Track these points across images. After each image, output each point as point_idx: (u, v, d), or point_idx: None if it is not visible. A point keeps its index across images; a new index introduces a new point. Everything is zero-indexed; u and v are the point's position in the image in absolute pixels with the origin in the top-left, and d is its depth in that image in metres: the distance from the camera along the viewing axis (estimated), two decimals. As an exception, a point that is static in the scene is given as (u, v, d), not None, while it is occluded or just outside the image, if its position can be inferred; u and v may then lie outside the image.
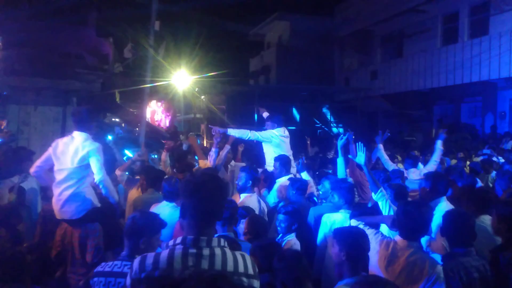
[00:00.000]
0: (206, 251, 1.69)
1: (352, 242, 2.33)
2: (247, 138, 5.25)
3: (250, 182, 4.07)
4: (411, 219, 2.51)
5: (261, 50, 25.15)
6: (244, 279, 1.72)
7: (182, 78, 13.99)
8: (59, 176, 3.59)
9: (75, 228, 3.61)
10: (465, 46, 13.17)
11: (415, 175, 5.54)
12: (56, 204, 3.58)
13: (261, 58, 24.62)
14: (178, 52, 15.37)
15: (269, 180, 4.74)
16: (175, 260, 1.66)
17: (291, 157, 5.19)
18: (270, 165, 5.17)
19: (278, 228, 3.26)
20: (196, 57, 15.69)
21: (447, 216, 2.72)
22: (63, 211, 3.56)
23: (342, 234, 2.40)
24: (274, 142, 5.26)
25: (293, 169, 5.12)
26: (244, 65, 26.02)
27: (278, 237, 3.24)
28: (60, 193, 3.55)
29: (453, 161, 8.27)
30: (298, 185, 4.01)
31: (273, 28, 23.48)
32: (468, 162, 8.42)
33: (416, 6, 14.47)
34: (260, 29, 24.40)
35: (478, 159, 8.40)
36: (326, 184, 4.02)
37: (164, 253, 1.70)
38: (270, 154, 5.28)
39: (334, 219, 3.43)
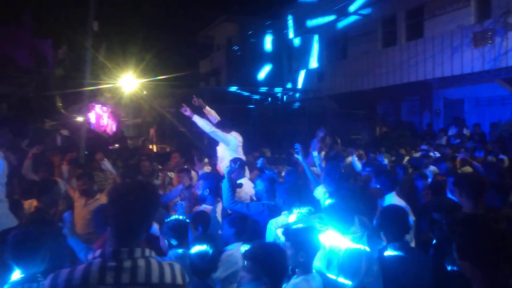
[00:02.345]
0: (127, 264, 1.57)
1: (308, 243, 2.34)
2: (208, 132, 5.19)
3: (208, 191, 3.83)
4: (341, 211, 2.60)
5: (210, 52, 25.00)
6: None
7: (129, 81, 13.50)
8: None
9: None
10: (403, 48, 13.92)
11: None
12: None
13: (210, 60, 24.48)
14: (123, 54, 14.85)
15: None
16: (91, 275, 1.52)
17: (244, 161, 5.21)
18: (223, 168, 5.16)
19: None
20: (143, 59, 15.25)
21: (382, 211, 2.82)
22: None
23: (297, 236, 2.37)
24: (232, 146, 5.29)
25: (246, 172, 5.13)
26: (194, 67, 25.71)
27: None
28: None
29: (386, 159, 8.64)
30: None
31: (222, 30, 23.44)
32: (407, 158, 8.88)
33: (357, 10, 15.10)
34: (209, 31, 24.26)
35: (418, 154, 8.90)
36: (259, 184, 3.91)
37: (80, 268, 1.56)
38: (226, 158, 5.25)
39: (280, 223, 3.35)
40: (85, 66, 7.68)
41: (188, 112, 5.25)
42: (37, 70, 10.44)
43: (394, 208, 2.89)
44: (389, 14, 14.85)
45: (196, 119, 5.17)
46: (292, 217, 3.13)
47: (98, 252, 1.61)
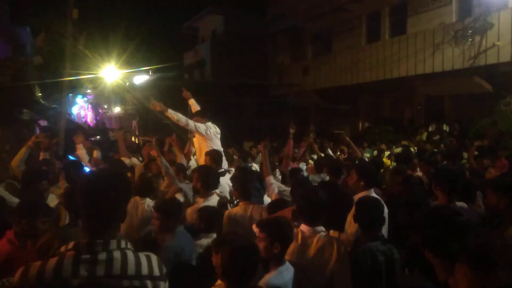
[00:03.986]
0: (102, 256, 1.53)
1: (284, 232, 2.33)
2: (183, 125, 5.05)
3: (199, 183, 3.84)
4: (311, 204, 2.58)
5: (195, 44, 24.74)
6: (148, 281, 1.61)
7: (111, 72, 13.23)
8: None
9: None
10: (386, 44, 14.06)
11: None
12: None
13: (195, 52, 24.23)
14: (105, 44, 14.51)
15: None
16: (64, 268, 1.47)
17: (222, 153, 5.16)
18: (201, 159, 5.12)
19: None
20: (126, 49, 14.94)
21: (358, 203, 2.84)
22: None
23: (274, 227, 2.36)
24: (209, 136, 5.20)
25: (225, 164, 5.08)
26: (178, 58, 25.40)
27: None
28: None
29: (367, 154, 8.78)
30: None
31: (206, 22, 23.21)
32: (387, 153, 9.02)
33: (342, 5, 15.15)
34: (194, 22, 23.98)
35: (399, 150, 9.05)
36: None
37: (52, 262, 1.50)
38: (203, 148, 5.20)
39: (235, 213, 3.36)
40: (64, 55, 7.46)
41: (160, 107, 4.95)
42: (14, 59, 10.12)
43: (369, 199, 2.92)
44: (373, 10, 14.95)
45: (170, 112, 4.96)
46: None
47: (71, 245, 1.57)
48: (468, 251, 1.38)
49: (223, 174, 4.43)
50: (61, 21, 8.74)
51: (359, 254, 2.54)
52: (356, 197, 3.26)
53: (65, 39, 7.52)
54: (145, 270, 1.60)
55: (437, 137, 10.92)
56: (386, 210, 3.08)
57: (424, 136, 11.54)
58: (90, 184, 1.63)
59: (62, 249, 1.58)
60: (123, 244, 1.62)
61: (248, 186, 3.41)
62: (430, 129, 12.34)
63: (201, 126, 5.17)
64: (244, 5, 21.54)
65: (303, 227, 2.62)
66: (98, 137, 12.42)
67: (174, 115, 4.96)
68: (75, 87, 13.36)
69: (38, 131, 10.93)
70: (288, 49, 19.43)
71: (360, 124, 16.96)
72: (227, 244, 2.13)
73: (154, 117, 15.42)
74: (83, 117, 16.65)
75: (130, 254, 1.60)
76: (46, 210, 2.83)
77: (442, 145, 9.26)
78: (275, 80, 19.84)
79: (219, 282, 2.16)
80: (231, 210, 3.44)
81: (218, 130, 5.42)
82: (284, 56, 19.73)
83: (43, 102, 13.46)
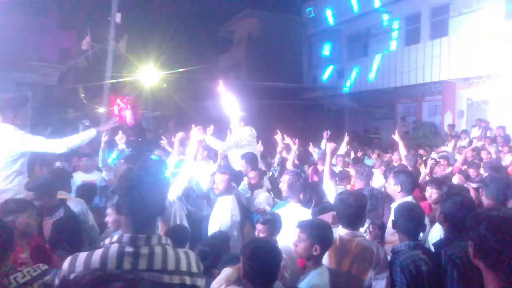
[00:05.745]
0: (144, 250, 1.59)
1: (325, 235, 2.35)
2: (223, 151, 5.10)
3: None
4: (349, 207, 2.57)
5: (231, 47, 25.01)
6: (187, 278, 1.65)
7: (149, 74, 13.65)
8: None
9: None
10: (426, 46, 13.59)
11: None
12: None
13: (231, 55, 24.50)
14: (145, 47, 14.99)
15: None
16: (109, 259, 1.54)
17: (258, 155, 5.19)
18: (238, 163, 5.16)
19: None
20: (164, 52, 15.36)
21: (397, 209, 2.76)
22: None
23: (315, 229, 2.38)
24: (247, 141, 5.24)
25: (261, 166, 5.11)
26: (214, 61, 25.78)
27: None
28: None
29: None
30: None
31: (242, 25, 23.40)
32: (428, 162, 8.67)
33: (380, 7, 14.83)
34: (230, 25, 24.27)
35: (438, 155, 8.70)
36: None
37: (98, 252, 1.58)
38: (236, 151, 5.24)
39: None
40: (107, 58, 7.79)
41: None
42: (61, 61, 10.70)
43: (409, 205, 2.82)
44: (412, 12, 14.52)
45: (209, 139, 4.93)
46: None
47: (115, 237, 1.63)
48: None
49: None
50: (105, 25, 9.14)
51: (401, 263, 2.46)
52: (394, 204, 3.18)
53: (108, 43, 7.84)
54: (184, 266, 1.64)
55: (481, 143, 10.40)
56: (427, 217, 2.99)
57: (466, 142, 11.04)
58: (132, 182, 1.68)
59: (107, 241, 1.65)
60: (163, 240, 1.68)
61: (303, 190, 3.47)
62: (472, 135, 11.79)
63: (240, 139, 5.20)
64: (280, 8, 21.57)
65: (342, 231, 2.60)
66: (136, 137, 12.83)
67: (213, 142, 5.04)
68: (116, 89, 13.89)
69: (81, 130, 11.44)
70: (323, 52, 19.22)
71: (397, 129, 16.48)
72: (247, 246, 2.16)
73: (189, 118, 15.76)
74: (122, 118, 17.24)
75: (170, 250, 1.65)
76: None
77: (483, 151, 8.81)
78: (310, 82, 19.70)
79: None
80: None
81: (254, 133, 5.45)
82: (319, 58, 19.54)
83: (86, 102, 14.10)
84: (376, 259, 2.45)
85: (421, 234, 2.79)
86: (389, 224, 2.98)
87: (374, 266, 2.44)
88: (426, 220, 3.09)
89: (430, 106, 15.54)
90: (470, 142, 10.88)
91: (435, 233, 3.02)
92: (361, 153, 8.95)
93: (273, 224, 2.88)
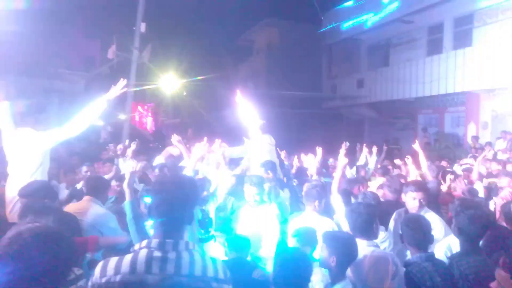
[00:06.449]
0: (172, 255, 1.62)
1: (343, 248, 2.35)
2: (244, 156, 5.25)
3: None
4: (359, 216, 2.66)
5: (249, 55, 25.21)
6: (214, 284, 1.67)
7: (170, 82, 13.89)
8: None
9: None
10: (449, 56, 13.39)
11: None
12: None
13: (250, 64, 24.69)
14: (166, 55, 15.29)
15: None
16: (138, 264, 1.58)
17: (277, 164, 5.21)
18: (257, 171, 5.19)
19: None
20: (184, 61, 15.62)
21: (403, 222, 2.75)
22: None
23: (333, 240, 2.40)
24: (266, 149, 5.27)
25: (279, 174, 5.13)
26: (233, 70, 26.03)
27: None
28: None
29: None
30: None
31: (261, 34, 23.59)
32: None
33: (402, 17, 14.72)
34: (249, 35, 24.49)
35: (461, 168, 8.50)
36: None
37: (128, 257, 1.63)
38: (255, 158, 5.26)
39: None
40: (131, 67, 7.99)
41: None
42: (86, 69, 11.05)
43: (415, 216, 2.85)
44: (435, 21, 14.36)
45: (228, 152, 5.11)
46: None
47: (144, 243, 1.68)
48: None
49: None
50: (128, 34, 9.41)
51: (415, 275, 2.44)
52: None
53: (133, 52, 8.06)
54: (210, 272, 1.66)
55: (506, 155, 10.12)
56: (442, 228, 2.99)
57: (490, 154, 10.74)
58: (163, 187, 1.73)
59: (136, 246, 1.70)
60: (190, 246, 1.70)
61: (318, 198, 3.51)
62: (497, 147, 11.48)
63: (260, 146, 5.25)
64: (300, 18, 21.66)
65: (358, 242, 2.61)
66: (157, 144, 13.06)
67: (233, 151, 5.13)
68: (138, 96, 14.21)
69: (103, 135, 11.73)
70: (343, 61, 19.17)
71: (418, 140, 16.21)
72: (279, 255, 2.18)
73: (208, 125, 15.91)
74: (143, 124, 17.59)
75: (197, 256, 1.68)
76: None
77: (509, 164, 8.55)
78: (329, 92, 19.63)
79: None
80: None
81: (273, 141, 5.48)
82: (339, 68, 19.49)
83: (108, 109, 14.43)
84: (391, 269, 2.48)
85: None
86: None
87: (392, 277, 2.46)
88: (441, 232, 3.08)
89: (453, 117, 15.24)
90: (495, 155, 10.59)
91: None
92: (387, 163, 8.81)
93: (303, 236, 2.89)
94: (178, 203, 1.71)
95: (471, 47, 12.74)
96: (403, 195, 3.70)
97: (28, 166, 3.61)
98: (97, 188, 3.54)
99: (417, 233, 2.59)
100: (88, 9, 14.96)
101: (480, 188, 6.03)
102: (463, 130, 14.27)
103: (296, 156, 6.57)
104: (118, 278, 1.56)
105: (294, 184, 5.30)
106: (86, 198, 3.48)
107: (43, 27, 12.61)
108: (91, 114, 3.78)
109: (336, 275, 2.36)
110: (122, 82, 4.02)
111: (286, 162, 6.88)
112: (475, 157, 10.16)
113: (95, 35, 15.20)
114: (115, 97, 3.92)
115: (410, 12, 14.37)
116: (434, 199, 4.31)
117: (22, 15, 9.59)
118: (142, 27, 8.30)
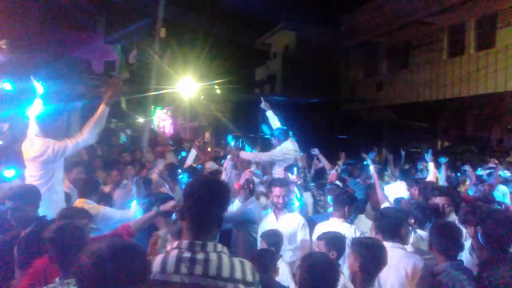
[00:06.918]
0: (200, 256, 1.64)
1: (368, 254, 2.32)
2: (261, 161, 5.33)
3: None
4: (387, 218, 2.78)
5: (267, 59, 25.25)
6: (241, 286, 1.67)
7: (188, 86, 14.04)
8: None
9: None
10: (471, 58, 13.10)
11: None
12: None
13: (266, 68, 24.72)
14: (184, 59, 15.45)
15: None
16: (168, 264, 1.63)
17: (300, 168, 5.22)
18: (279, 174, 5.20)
19: None
20: (202, 65, 15.75)
21: (434, 228, 2.70)
22: None
23: (358, 245, 2.39)
24: (288, 158, 5.26)
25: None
26: (250, 74, 26.10)
27: None
28: None
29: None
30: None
31: (279, 38, 23.60)
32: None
33: (422, 18, 14.48)
34: (266, 38, 24.55)
35: (484, 172, 8.28)
36: None
37: (159, 257, 1.68)
38: (277, 163, 5.35)
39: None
40: (152, 71, 8.11)
41: (233, 151, 5.16)
42: (107, 74, 11.27)
43: (446, 224, 2.78)
44: (457, 22, 14.07)
45: (244, 155, 5.20)
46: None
47: (175, 243, 1.70)
48: None
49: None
50: (150, 39, 9.56)
51: (446, 284, 2.37)
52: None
53: (153, 57, 8.18)
54: (238, 274, 1.66)
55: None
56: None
57: (516, 158, 10.46)
58: (195, 189, 1.76)
59: (168, 247, 1.73)
60: (219, 248, 1.72)
61: (348, 204, 3.59)
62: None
63: (277, 153, 5.29)
64: (317, 21, 21.57)
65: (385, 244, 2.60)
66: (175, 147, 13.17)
67: (249, 156, 5.23)
68: (157, 100, 14.40)
69: (125, 139, 11.94)
70: (361, 64, 18.99)
71: (439, 143, 15.88)
72: (305, 260, 2.16)
73: (225, 129, 16.00)
74: (162, 127, 17.81)
75: (225, 258, 1.69)
76: None
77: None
78: (347, 95, 19.47)
79: None
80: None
81: (296, 146, 5.48)
82: (357, 71, 19.32)
83: (128, 112, 14.67)
84: (412, 270, 2.52)
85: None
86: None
87: (413, 279, 2.49)
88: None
89: (475, 120, 14.89)
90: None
91: None
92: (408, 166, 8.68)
93: (331, 241, 2.87)
94: (207, 206, 1.73)
95: (494, 48, 12.44)
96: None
97: (38, 173, 3.52)
98: (88, 188, 3.56)
99: (448, 241, 2.54)
100: (108, 14, 15.26)
101: (504, 191, 5.89)
102: (487, 134, 13.92)
103: (315, 158, 6.54)
104: (149, 276, 1.59)
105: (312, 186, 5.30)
106: (78, 200, 3.46)
107: (65, 33, 12.97)
108: (97, 123, 3.66)
109: (363, 281, 2.32)
110: (113, 80, 3.96)
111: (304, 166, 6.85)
112: (499, 161, 9.91)
113: (115, 41, 15.50)
114: (114, 97, 3.83)
115: (431, 12, 14.12)
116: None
117: (42, 20, 9.91)
118: (162, 32, 8.44)
